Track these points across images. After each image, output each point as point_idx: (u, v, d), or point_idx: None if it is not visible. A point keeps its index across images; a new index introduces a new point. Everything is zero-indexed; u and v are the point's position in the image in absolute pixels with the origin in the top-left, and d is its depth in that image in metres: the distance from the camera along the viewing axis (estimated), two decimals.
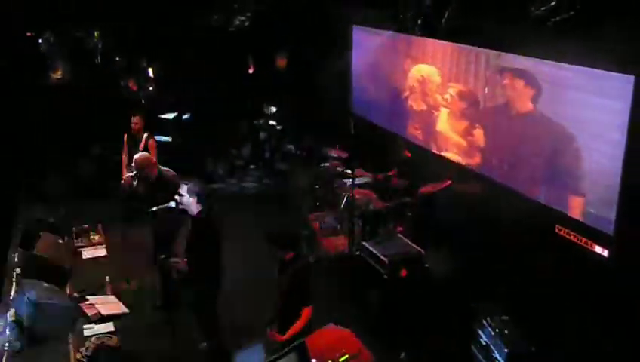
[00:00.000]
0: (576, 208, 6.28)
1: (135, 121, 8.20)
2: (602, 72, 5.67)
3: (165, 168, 6.73)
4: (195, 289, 5.54)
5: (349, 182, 7.85)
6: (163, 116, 10.89)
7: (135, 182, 6.89)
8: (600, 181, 5.91)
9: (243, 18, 4.10)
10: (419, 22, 3.50)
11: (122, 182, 8.18)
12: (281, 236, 4.90)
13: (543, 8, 3.53)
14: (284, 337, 4.71)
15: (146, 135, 8.16)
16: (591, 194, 6.08)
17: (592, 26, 3.92)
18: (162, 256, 5.68)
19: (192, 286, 5.55)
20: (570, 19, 3.53)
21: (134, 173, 6.74)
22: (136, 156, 6.77)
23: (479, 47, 7.44)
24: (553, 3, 3.42)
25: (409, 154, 8.42)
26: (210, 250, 5.38)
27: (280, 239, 4.87)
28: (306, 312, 4.76)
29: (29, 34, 9.73)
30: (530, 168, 6.86)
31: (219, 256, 5.46)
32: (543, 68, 6.47)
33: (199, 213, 5.41)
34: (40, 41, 9.93)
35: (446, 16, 3.46)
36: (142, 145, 8.07)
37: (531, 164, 6.83)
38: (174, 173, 6.74)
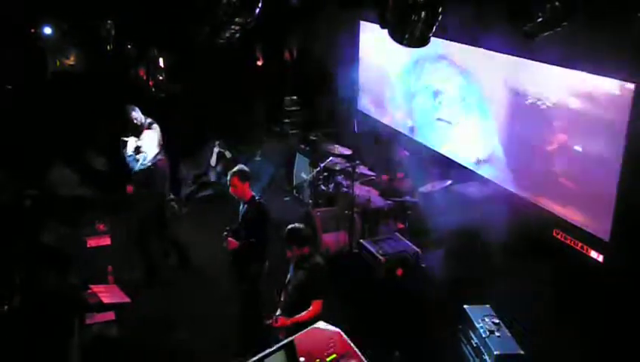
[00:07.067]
0: (574, 213, 6.31)
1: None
2: (602, 78, 5.71)
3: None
4: (254, 265, 5.69)
5: (350, 178, 7.89)
6: None
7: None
8: (597, 188, 5.95)
9: (233, 30, 4.06)
10: (406, 36, 3.52)
11: None
12: (300, 233, 5.03)
13: (530, 25, 3.56)
14: (289, 321, 4.86)
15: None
16: (588, 201, 6.11)
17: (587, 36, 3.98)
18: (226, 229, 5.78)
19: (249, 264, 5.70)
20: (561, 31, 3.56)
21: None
22: None
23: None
24: (539, 20, 3.45)
25: (407, 153, 8.45)
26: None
27: (299, 236, 5.01)
28: (316, 305, 4.90)
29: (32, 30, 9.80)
30: (530, 171, 6.89)
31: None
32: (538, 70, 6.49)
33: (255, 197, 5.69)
34: (51, 29, 10.00)
35: (433, 30, 3.48)
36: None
37: (531, 168, 6.86)
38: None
